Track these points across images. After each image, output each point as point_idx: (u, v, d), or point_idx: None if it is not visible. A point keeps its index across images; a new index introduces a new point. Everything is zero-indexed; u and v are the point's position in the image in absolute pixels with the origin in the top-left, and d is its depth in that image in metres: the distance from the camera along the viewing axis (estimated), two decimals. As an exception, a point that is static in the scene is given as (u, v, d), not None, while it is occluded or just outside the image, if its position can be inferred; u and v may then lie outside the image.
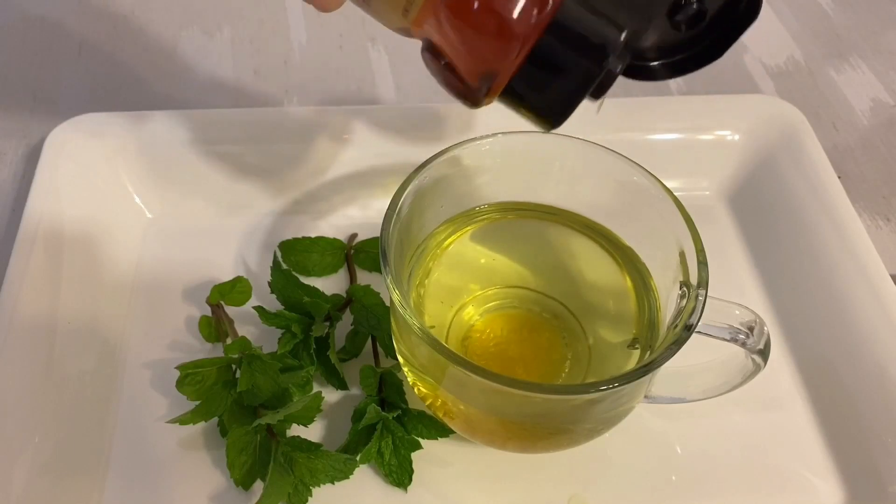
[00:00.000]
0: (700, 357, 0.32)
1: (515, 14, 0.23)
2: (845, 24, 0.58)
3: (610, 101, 0.49)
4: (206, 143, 0.43)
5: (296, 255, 0.41)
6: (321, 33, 0.55)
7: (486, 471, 0.35)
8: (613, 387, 0.27)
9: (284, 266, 0.40)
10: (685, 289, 0.30)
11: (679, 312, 0.29)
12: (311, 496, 0.33)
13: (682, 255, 0.31)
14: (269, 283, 0.39)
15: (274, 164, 0.43)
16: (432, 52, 0.25)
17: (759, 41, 0.56)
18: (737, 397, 0.34)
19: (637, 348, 0.33)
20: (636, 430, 0.36)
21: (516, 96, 0.25)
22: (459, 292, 0.35)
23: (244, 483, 0.33)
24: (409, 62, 0.52)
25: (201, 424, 0.35)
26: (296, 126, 0.44)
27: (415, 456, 0.34)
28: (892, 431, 0.35)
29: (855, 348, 0.37)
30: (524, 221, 0.37)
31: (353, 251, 0.41)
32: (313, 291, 0.38)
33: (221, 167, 0.43)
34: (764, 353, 0.30)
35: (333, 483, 0.34)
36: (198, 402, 0.34)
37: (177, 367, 0.34)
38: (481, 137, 0.33)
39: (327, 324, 0.37)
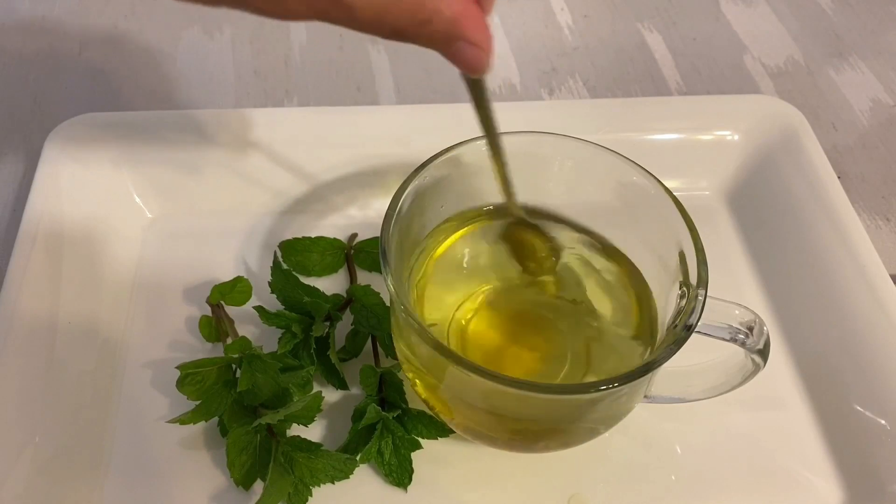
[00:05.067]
0: (700, 357, 0.32)
1: None
2: (845, 24, 0.58)
3: (610, 101, 0.49)
4: (207, 143, 0.43)
5: (296, 255, 0.41)
6: (321, 33, 0.55)
7: (486, 471, 0.35)
8: (613, 387, 0.27)
9: (285, 266, 0.40)
10: (685, 289, 0.30)
11: (679, 312, 0.29)
12: (311, 496, 0.33)
13: (681, 255, 0.31)
14: (269, 283, 0.39)
15: (274, 164, 0.43)
16: None
17: (759, 41, 0.56)
18: (737, 397, 0.34)
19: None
20: (636, 430, 0.36)
21: None
22: (459, 292, 0.35)
23: (244, 483, 0.34)
24: (409, 62, 0.53)
25: (201, 424, 0.35)
26: (296, 126, 0.44)
27: (415, 456, 0.35)
28: (892, 431, 0.35)
29: (855, 348, 0.37)
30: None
31: (353, 251, 0.41)
32: (313, 291, 0.38)
33: (221, 167, 0.43)
34: (763, 352, 0.30)
35: (333, 483, 0.34)
36: (198, 402, 0.34)
37: (177, 367, 0.34)
38: (481, 137, 0.33)
39: (327, 324, 0.37)
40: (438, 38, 0.23)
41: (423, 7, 0.22)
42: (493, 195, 0.36)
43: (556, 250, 0.34)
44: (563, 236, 0.36)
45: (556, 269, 0.35)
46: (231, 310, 0.39)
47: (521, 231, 0.34)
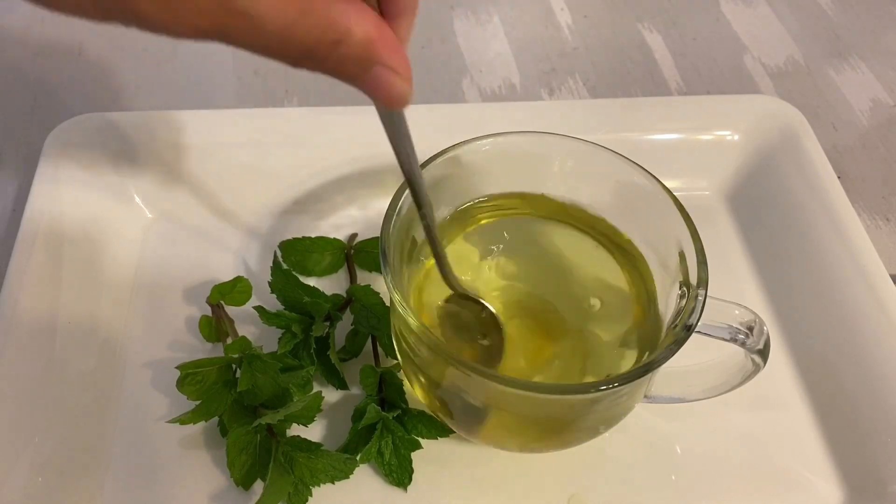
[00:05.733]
0: (700, 357, 0.32)
1: None
2: (845, 24, 0.58)
3: (610, 101, 0.49)
4: (206, 143, 0.43)
5: (296, 255, 0.41)
6: (321, 33, 0.55)
7: (486, 470, 0.35)
8: (613, 387, 0.27)
9: (285, 266, 0.40)
10: (685, 289, 0.30)
11: (679, 312, 0.29)
12: (311, 496, 0.33)
13: (681, 255, 0.31)
14: (269, 283, 0.39)
15: (274, 164, 0.43)
16: None
17: (759, 41, 0.56)
18: (737, 397, 0.34)
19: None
20: (636, 430, 0.36)
21: None
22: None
23: (244, 483, 0.34)
24: (410, 62, 0.52)
25: (201, 424, 0.35)
26: (296, 126, 0.44)
27: (415, 456, 0.35)
28: (892, 431, 0.35)
29: (855, 348, 0.37)
30: (524, 220, 0.37)
31: (353, 251, 0.41)
32: (313, 291, 0.38)
33: (221, 167, 0.43)
34: (763, 352, 0.30)
35: (333, 483, 0.34)
36: (198, 402, 0.34)
37: (177, 367, 0.34)
38: (481, 137, 0.33)
39: (327, 324, 0.37)
40: (350, 64, 0.21)
41: (333, 24, 0.19)
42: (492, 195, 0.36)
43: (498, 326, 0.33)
44: (564, 233, 0.36)
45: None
46: (231, 310, 0.39)
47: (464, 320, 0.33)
